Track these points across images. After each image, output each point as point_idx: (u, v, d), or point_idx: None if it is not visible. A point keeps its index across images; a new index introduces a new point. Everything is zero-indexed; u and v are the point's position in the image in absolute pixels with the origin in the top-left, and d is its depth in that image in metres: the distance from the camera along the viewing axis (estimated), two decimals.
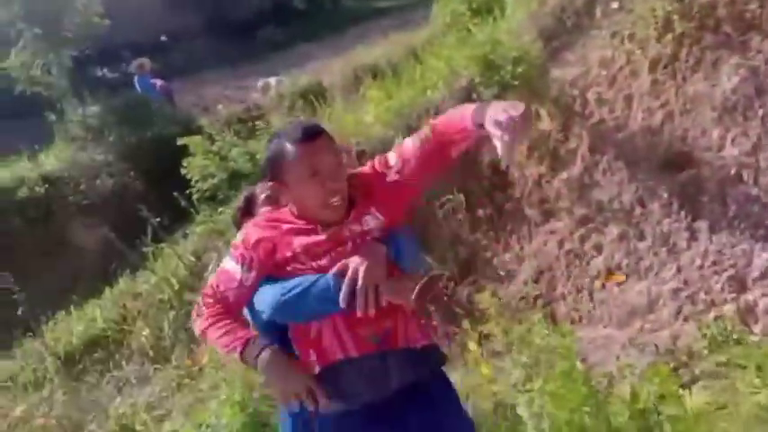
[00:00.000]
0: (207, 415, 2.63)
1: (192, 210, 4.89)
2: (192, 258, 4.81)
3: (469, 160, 3.94)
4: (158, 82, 8.11)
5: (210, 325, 1.38)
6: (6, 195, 6.32)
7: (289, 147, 1.37)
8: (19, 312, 4.74)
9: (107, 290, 5.15)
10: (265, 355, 1.33)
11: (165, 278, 4.71)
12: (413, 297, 1.33)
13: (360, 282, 1.29)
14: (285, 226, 1.40)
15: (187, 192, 4.85)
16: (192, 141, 4.25)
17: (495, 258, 3.63)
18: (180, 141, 4.32)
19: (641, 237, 3.23)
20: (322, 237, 1.37)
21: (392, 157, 1.42)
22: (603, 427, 1.96)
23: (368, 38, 7.90)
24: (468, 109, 1.35)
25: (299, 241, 1.37)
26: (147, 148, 6.50)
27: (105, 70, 13.41)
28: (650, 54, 3.40)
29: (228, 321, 1.38)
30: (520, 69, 3.62)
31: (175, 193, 4.81)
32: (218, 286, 1.40)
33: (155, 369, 4.02)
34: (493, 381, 2.59)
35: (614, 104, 3.52)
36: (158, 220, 4.81)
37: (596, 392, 2.00)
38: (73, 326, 4.88)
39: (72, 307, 5.17)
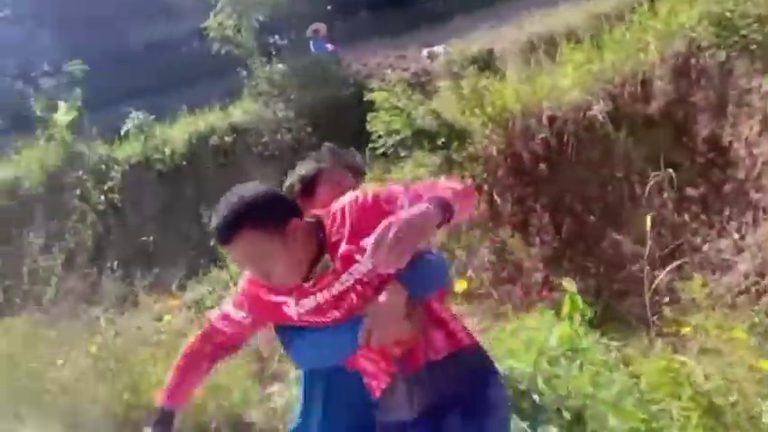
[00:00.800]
0: None
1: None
2: None
3: (682, 132, 3.54)
4: (330, 46, 8.51)
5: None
6: (201, 141, 7.11)
7: None
8: (211, 243, 5.34)
9: None
10: None
11: None
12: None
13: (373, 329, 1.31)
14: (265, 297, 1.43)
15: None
16: (380, 97, 4.34)
17: (707, 245, 3.23)
18: (367, 97, 4.45)
19: None
20: (319, 297, 1.37)
21: (401, 195, 1.33)
22: None
23: (530, 7, 7.52)
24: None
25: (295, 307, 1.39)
26: (322, 107, 6.86)
27: (276, 37, 14.50)
28: None
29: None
30: (765, 31, 3.12)
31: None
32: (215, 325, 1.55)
33: None
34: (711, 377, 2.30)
35: None
36: None
37: None
38: None
39: None
